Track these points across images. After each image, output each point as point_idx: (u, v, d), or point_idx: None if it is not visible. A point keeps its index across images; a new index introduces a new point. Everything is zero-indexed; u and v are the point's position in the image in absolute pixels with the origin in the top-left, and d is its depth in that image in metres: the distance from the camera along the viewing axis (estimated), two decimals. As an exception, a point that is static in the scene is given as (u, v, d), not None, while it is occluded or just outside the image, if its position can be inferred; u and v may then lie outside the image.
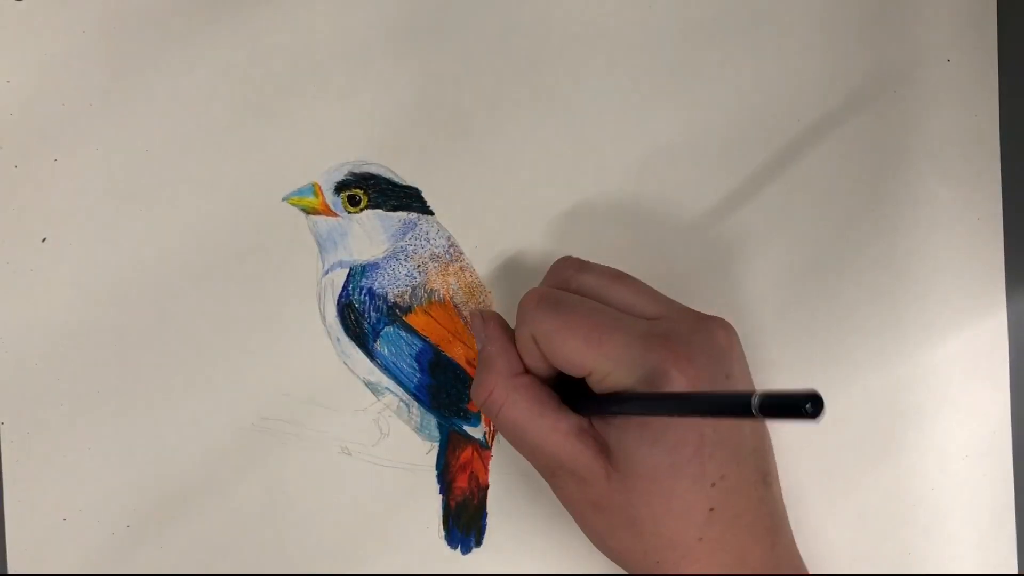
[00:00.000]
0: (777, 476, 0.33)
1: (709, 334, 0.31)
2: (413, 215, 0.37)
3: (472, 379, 0.36)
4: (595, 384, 0.31)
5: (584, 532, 0.32)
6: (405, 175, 0.37)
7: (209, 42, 0.37)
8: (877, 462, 0.38)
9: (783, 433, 0.38)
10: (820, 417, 0.22)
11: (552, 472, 0.32)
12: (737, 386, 0.31)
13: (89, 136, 0.36)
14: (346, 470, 0.37)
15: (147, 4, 0.37)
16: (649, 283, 0.38)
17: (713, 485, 0.30)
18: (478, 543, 0.37)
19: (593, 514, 0.31)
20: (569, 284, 0.33)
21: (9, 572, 0.36)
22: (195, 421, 0.36)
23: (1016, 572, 0.39)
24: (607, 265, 0.34)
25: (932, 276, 0.39)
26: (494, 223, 0.37)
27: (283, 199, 0.37)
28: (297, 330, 0.37)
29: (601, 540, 0.32)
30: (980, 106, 0.39)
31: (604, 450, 0.31)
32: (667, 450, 0.29)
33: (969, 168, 0.39)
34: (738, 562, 0.30)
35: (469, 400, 0.37)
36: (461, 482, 0.37)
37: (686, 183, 0.38)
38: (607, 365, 0.30)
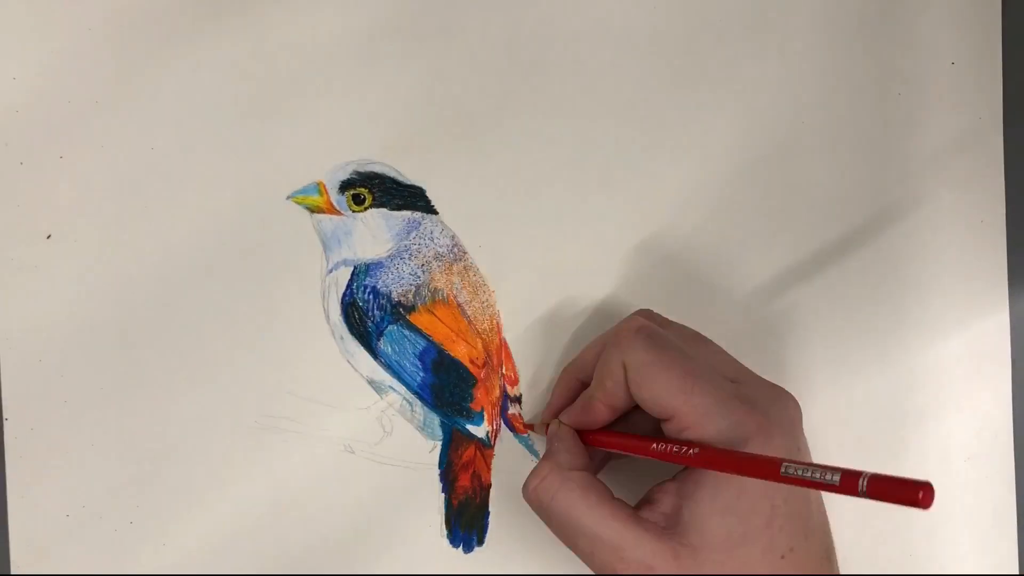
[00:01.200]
0: (835, 554, 0.32)
1: (784, 407, 0.32)
2: (417, 214, 0.37)
3: (475, 378, 0.36)
4: (673, 432, 0.31)
5: None
6: (409, 174, 0.37)
7: (215, 40, 0.37)
8: (879, 463, 0.38)
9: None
10: (929, 506, 0.22)
11: (613, 567, 0.30)
12: (804, 458, 0.31)
13: (94, 133, 0.36)
14: (349, 468, 0.37)
15: (153, 2, 0.37)
16: (650, 285, 0.38)
17: (783, 557, 0.30)
18: (480, 542, 0.37)
19: None
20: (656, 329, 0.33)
21: (12, 569, 0.36)
22: (198, 418, 0.37)
23: (1017, 573, 0.39)
24: (687, 327, 0.34)
25: (934, 278, 0.39)
26: (498, 222, 0.37)
27: (288, 197, 0.37)
28: (301, 328, 0.37)
29: None
30: (983, 109, 0.39)
31: (669, 527, 0.30)
32: (740, 519, 0.29)
33: (972, 170, 0.39)
34: None
35: (472, 399, 0.37)
36: (463, 481, 0.37)
37: (688, 184, 0.38)
38: (694, 414, 0.30)
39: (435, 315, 0.37)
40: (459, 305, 0.37)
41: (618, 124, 0.38)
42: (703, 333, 0.38)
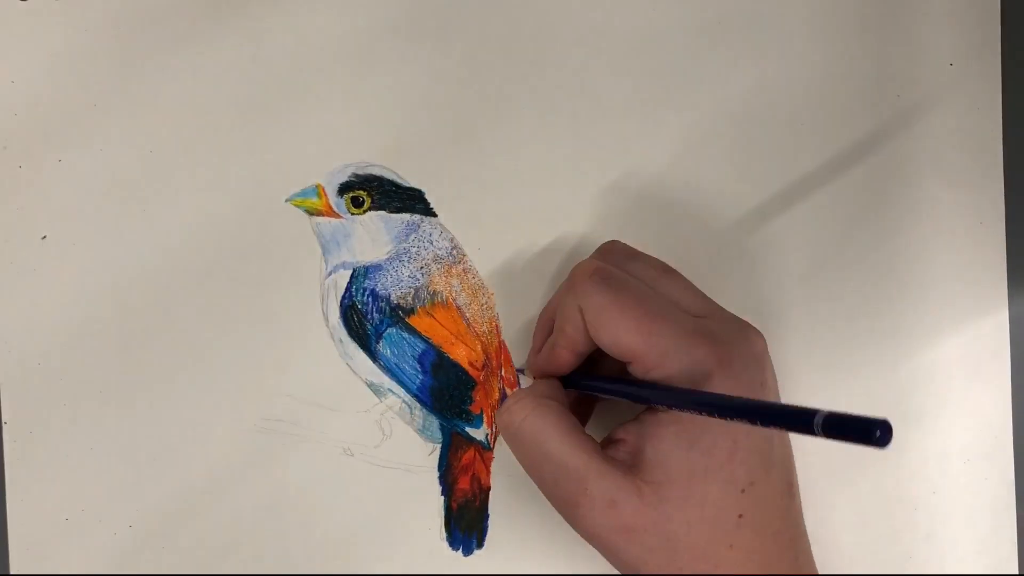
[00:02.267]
0: (798, 489, 0.33)
1: (749, 341, 0.31)
2: (416, 217, 0.37)
3: (474, 380, 0.36)
4: (638, 373, 0.31)
5: (614, 564, 0.31)
6: (409, 177, 0.37)
7: (213, 43, 0.37)
8: (878, 465, 0.38)
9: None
10: (887, 444, 0.22)
11: (576, 500, 0.30)
12: (769, 394, 0.31)
13: (93, 136, 0.36)
14: (348, 471, 0.37)
15: (151, 4, 0.37)
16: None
17: (743, 491, 0.30)
18: (480, 545, 0.37)
19: (625, 541, 0.30)
20: (621, 269, 0.33)
21: (11, 572, 0.36)
22: (197, 422, 0.36)
23: (1017, 573, 0.39)
24: (656, 257, 0.34)
25: (934, 279, 0.39)
26: (497, 225, 0.37)
27: (286, 200, 0.37)
28: (300, 331, 0.37)
29: (633, 569, 0.31)
30: (983, 110, 0.39)
31: (633, 465, 0.30)
32: (702, 453, 0.29)
33: (972, 171, 0.39)
34: (764, 572, 0.30)
35: (471, 402, 0.37)
36: (463, 484, 0.37)
37: (689, 186, 0.38)
38: (653, 354, 0.30)
39: (434, 318, 0.37)
40: (458, 308, 0.37)
41: (617, 126, 0.38)
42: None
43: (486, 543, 0.37)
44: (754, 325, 0.32)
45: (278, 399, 0.37)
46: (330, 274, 0.37)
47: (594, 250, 0.35)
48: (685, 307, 0.32)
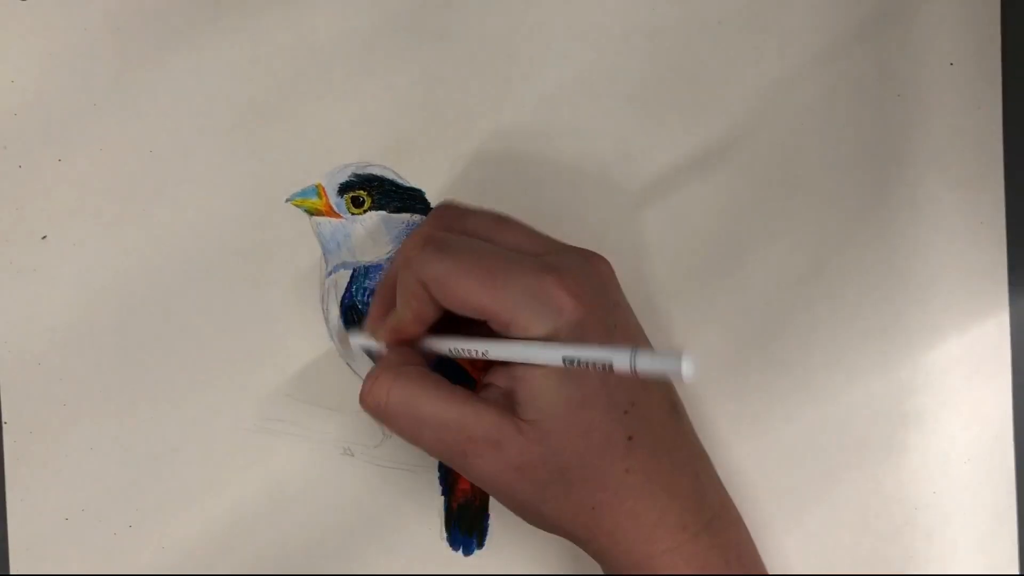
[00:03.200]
0: (685, 410, 0.33)
1: (594, 267, 0.31)
2: (417, 217, 0.37)
3: (474, 380, 0.36)
4: (500, 331, 0.30)
5: (515, 509, 0.31)
6: (409, 177, 0.37)
7: (213, 43, 0.37)
8: (879, 465, 0.38)
9: (782, 436, 0.38)
10: (692, 373, 0.24)
11: (462, 450, 0.30)
12: (624, 313, 0.32)
13: (93, 136, 0.36)
14: (348, 471, 0.37)
15: (151, 4, 0.37)
16: (653, 286, 0.38)
17: (626, 412, 0.30)
18: (480, 545, 0.37)
19: (518, 480, 0.30)
20: (452, 229, 0.32)
21: (11, 572, 0.36)
22: (197, 421, 0.37)
23: (1017, 573, 0.39)
24: (489, 209, 0.33)
25: (934, 279, 0.39)
26: (497, 225, 0.37)
27: (287, 200, 0.37)
28: (300, 331, 0.37)
29: (535, 509, 0.31)
30: (983, 109, 0.39)
31: (508, 406, 0.30)
32: (573, 384, 0.29)
33: (972, 171, 0.39)
34: (668, 493, 0.30)
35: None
36: (463, 484, 0.37)
37: (688, 186, 0.38)
38: (506, 309, 0.29)
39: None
40: (458, 307, 0.37)
41: (617, 126, 0.38)
42: (699, 334, 0.38)
43: (486, 543, 0.37)
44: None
45: (278, 399, 0.37)
46: (330, 274, 0.37)
47: (427, 216, 0.35)
48: (527, 251, 0.31)
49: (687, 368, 0.25)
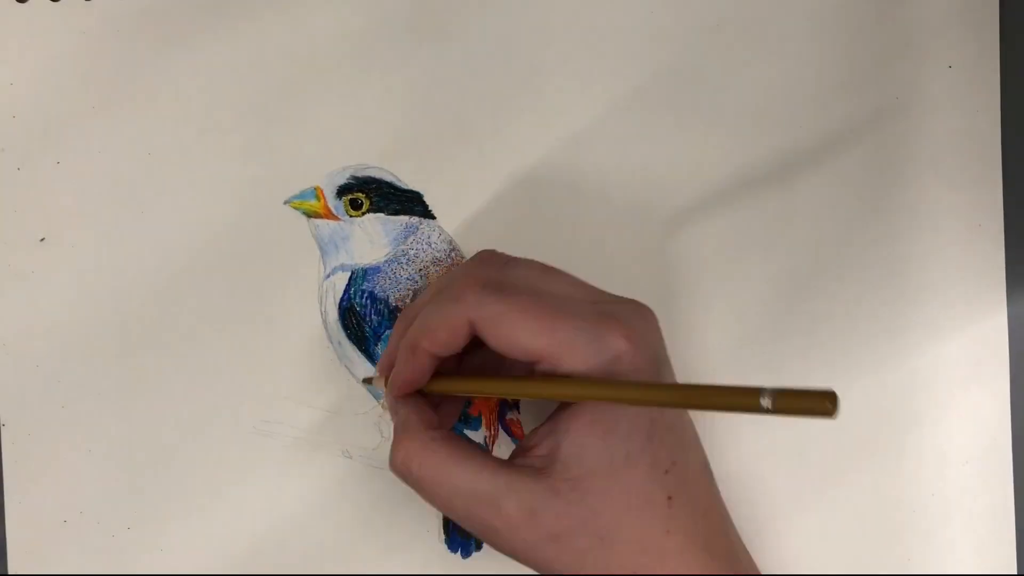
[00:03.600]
0: (711, 469, 0.32)
1: (646, 317, 0.31)
2: (415, 219, 0.37)
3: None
4: (548, 371, 0.29)
5: None
6: (407, 179, 0.37)
7: (211, 45, 0.37)
8: (877, 467, 0.38)
9: (781, 437, 0.38)
10: (836, 414, 0.22)
11: (493, 525, 0.29)
12: (671, 369, 0.31)
13: (91, 139, 0.36)
14: (346, 474, 0.37)
15: (149, 6, 0.37)
16: (652, 288, 0.38)
17: (667, 472, 0.29)
18: (478, 547, 0.37)
19: (557, 551, 0.29)
20: (505, 275, 0.32)
21: (10, 574, 0.36)
22: (195, 424, 0.37)
23: (1016, 574, 0.39)
24: (534, 259, 0.33)
25: (933, 282, 0.39)
26: (495, 227, 0.37)
27: (285, 202, 0.37)
28: (298, 333, 0.37)
29: None
30: (981, 112, 0.39)
31: (545, 471, 0.29)
32: (622, 439, 0.29)
33: (970, 174, 0.39)
34: (708, 553, 0.29)
35: (470, 404, 0.37)
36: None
37: (688, 188, 0.38)
38: (561, 348, 0.29)
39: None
40: (457, 310, 0.37)
41: (615, 127, 0.38)
42: (697, 335, 0.38)
43: (485, 546, 0.37)
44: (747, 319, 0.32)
45: (276, 401, 0.37)
46: (328, 276, 0.37)
47: (468, 260, 0.34)
48: (579, 298, 0.31)
49: (833, 408, 0.22)
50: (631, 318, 0.30)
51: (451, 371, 0.33)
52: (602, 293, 0.32)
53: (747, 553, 0.32)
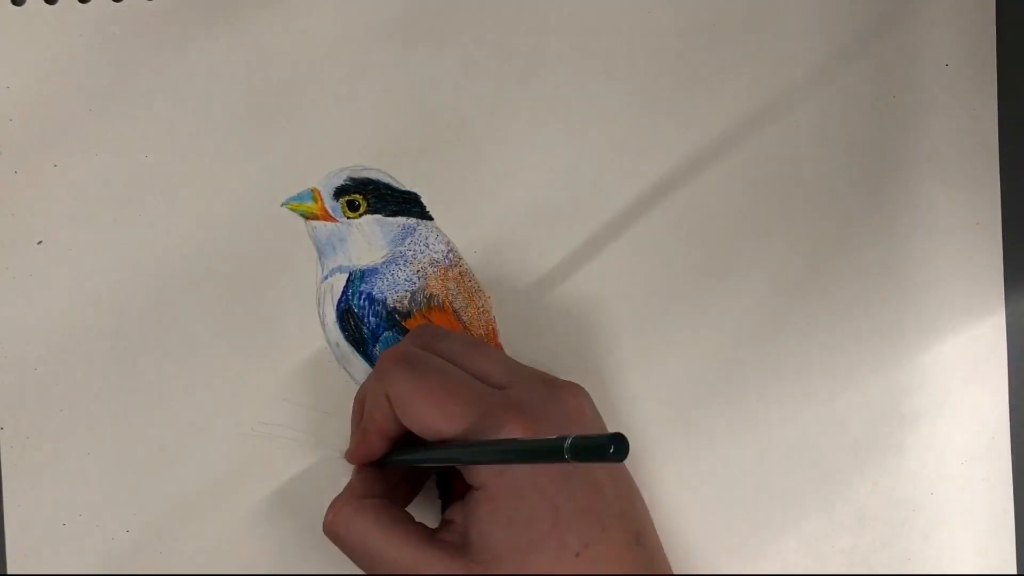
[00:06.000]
0: (654, 534, 0.32)
1: (559, 402, 0.31)
2: (412, 220, 0.37)
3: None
4: None
5: None
6: (404, 180, 0.37)
7: (208, 47, 0.37)
8: (876, 466, 0.38)
9: (780, 438, 0.38)
10: (625, 457, 0.23)
11: None
12: None
13: (89, 141, 0.36)
14: (346, 475, 0.37)
15: (146, 9, 0.37)
16: (648, 289, 0.38)
17: (577, 555, 0.29)
18: (478, 548, 0.37)
19: None
20: (429, 348, 0.33)
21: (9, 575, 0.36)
22: (194, 426, 0.36)
23: (1015, 574, 0.39)
24: (464, 334, 0.34)
25: (931, 280, 0.39)
26: (493, 228, 0.37)
27: (282, 204, 0.37)
28: (296, 335, 0.37)
29: None
30: (979, 110, 0.39)
31: (462, 550, 0.30)
32: (523, 527, 0.29)
33: (968, 172, 0.39)
34: None
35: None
36: (460, 487, 0.37)
37: (684, 187, 0.38)
38: (457, 432, 0.30)
39: (431, 321, 0.37)
40: (455, 311, 0.37)
41: (613, 127, 0.38)
42: (696, 336, 0.38)
43: (484, 546, 0.37)
44: (572, 382, 0.32)
45: (275, 403, 0.37)
46: (326, 278, 0.37)
47: (407, 334, 0.36)
48: (493, 380, 0.32)
49: (618, 454, 0.23)
50: (540, 406, 0.30)
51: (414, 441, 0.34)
52: (521, 373, 0.32)
53: None
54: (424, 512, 0.37)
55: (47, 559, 0.36)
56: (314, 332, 0.37)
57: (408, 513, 0.32)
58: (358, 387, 0.37)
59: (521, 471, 0.29)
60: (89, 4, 0.37)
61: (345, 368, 0.37)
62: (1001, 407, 0.39)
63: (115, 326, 0.36)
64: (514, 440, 0.28)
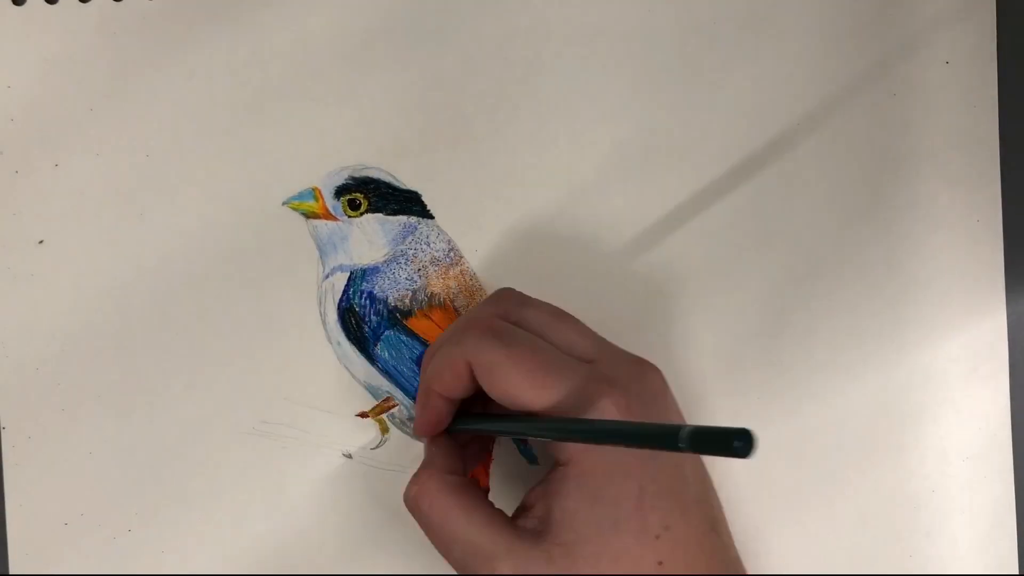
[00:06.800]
0: (727, 525, 0.32)
1: (645, 380, 0.31)
2: (413, 219, 0.37)
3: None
4: None
5: None
6: (405, 179, 0.37)
7: (209, 46, 0.37)
8: (877, 464, 0.38)
9: (781, 436, 0.38)
10: (751, 454, 0.22)
11: None
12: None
13: (89, 141, 0.36)
14: (347, 473, 0.37)
15: (147, 8, 0.37)
16: (648, 288, 0.38)
17: (658, 537, 0.29)
18: (479, 546, 0.37)
19: None
20: (509, 316, 0.33)
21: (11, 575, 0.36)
22: (196, 425, 0.37)
23: (1017, 573, 0.39)
24: (548, 303, 0.34)
25: (931, 278, 0.39)
26: (494, 226, 0.37)
27: (283, 203, 0.37)
28: (297, 334, 0.37)
29: None
30: (979, 108, 0.39)
31: (541, 534, 0.30)
32: (608, 506, 0.29)
33: (968, 170, 0.39)
34: None
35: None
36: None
37: (685, 186, 0.38)
38: (548, 409, 0.30)
39: (432, 320, 0.37)
40: (456, 310, 0.37)
41: (614, 126, 0.38)
42: (697, 334, 0.38)
43: (485, 545, 0.37)
44: (653, 363, 0.32)
45: (276, 402, 0.37)
46: (327, 277, 0.37)
47: (486, 297, 0.35)
48: (579, 352, 0.32)
49: (747, 448, 0.23)
50: (628, 383, 0.30)
51: (478, 411, 0.34)
52: (607, 348, 0.32)
53: None
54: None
55: (49, 558, 0.36)
56: (315, 331, 0.37)
57: (486, 496, 0.32)
58: (359, 386, 0.37)
59: (609, 448, 0.29)
60: (90, 4, 0.37)
61: (346, 367, 0.37)
62: (1002, 405, 0.39)
63: (116, 325, 0.36)
64: (624, 422, 0.28)
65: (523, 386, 0.30)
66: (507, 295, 0.34)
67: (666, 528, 0.29)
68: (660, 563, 0.29)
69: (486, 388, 0.31)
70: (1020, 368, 0.39)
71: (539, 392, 0.30)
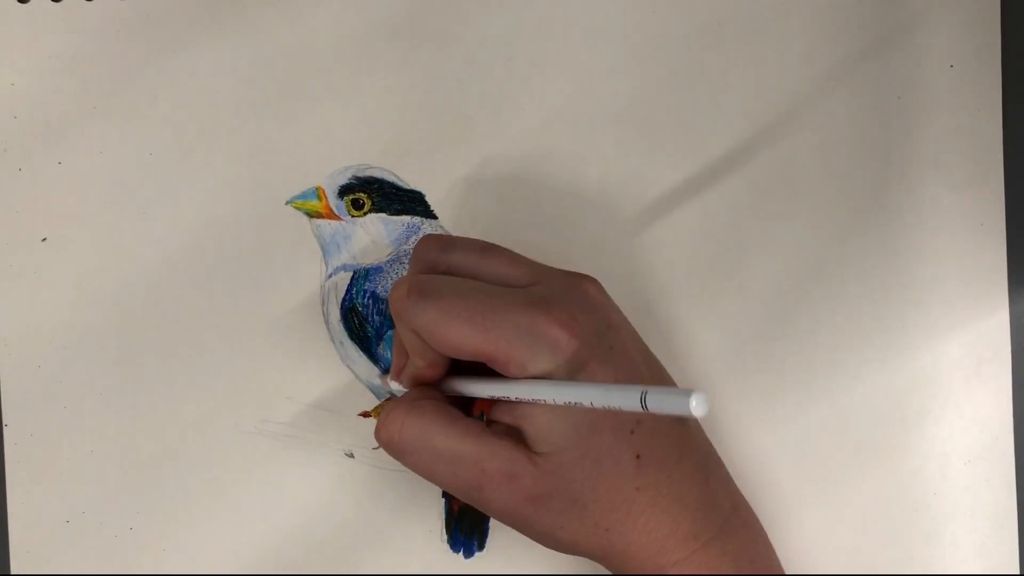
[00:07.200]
0: (697, 421, 0.33)
1: (582, 291, 0.31)
2: (417, 219, 0.37)
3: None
4: (501, 370, 0.30)
5: (531, 536, 0.32)
6: (409, 179, 0.37)
7: (213, 45, 0.37)
8: (879, 467, 0.38)
9: (783, 437, 0.38)
10: (704, 411, 0.24)
11: (478, 484, 0.30)
12: (620, 333, 0.31)
13: (93, 139, 0.36)
14: (349, 473, 0.37)
15: (151, 6, 0.37)
16: (652, 289, 0.38)
17: (632, 432, 0.30)
18: (480, 547, 0.37)
19: (534, 511, 0.30)
20: (437, 266, 0.32)
21: (12, 574, 0.36)
22: (197, 424, 0.37)
23: (1018, 574, 0.39)
24: (473, 238, 0.33)
25: (934, 281, 0.39)
26: (497, 227, 0.37)
27: (287, 203, 0.37)
28: (300, 333, 0.37)
29: (551, 536, 0.31)
30: (983, 112, 0.39)
31: (521, 439, 0.30)
32: (580, 414, 0.29)
33: (972, 174, 0.39)
34: (679, 504, 0.30)
35: (471, 404, 0.37)
36: None
37: (689, 188, 0.38)
38: (499, 349, 0.29)
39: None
40: (459, 310, 0.37)
41: (616, 127, 0.38)
42: (699, 336, 0.38)
43: (487, 545, 0.37)
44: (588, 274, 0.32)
45: (278, 401, 0.37)
46: (330, 276, 0.37)
47: (411, 255, 0.34)
48: (513, 281, 0.31)
49: (697, 407, 0.24)
50: (565, 299, 0.30)
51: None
52: (540, 270, 0.32)
53: (733, 495, 0.33)
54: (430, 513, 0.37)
55: (51, 556, 0.36)
56: (318, 330, 0.37)
57: (461, 411, 0.31)
58: (362, 386, 0.37)
59: (571, 364, 0.29)
60: (94, 2, 0.37)
61: (349, 367, 0.37)
62: (1004, 408, 0.39)
63: (119, 324, 0.36)
64: (579, 385, 0.28)
65: (465, 333, 0.29)
66: (428, 243, 0.33)
67: (638, 422, 0.30)
68: (638, 456, 0.30)
69: (436, 348, 0.30)
70: (1022, 371, 0.39)
71: (485, 335, 0.29)
